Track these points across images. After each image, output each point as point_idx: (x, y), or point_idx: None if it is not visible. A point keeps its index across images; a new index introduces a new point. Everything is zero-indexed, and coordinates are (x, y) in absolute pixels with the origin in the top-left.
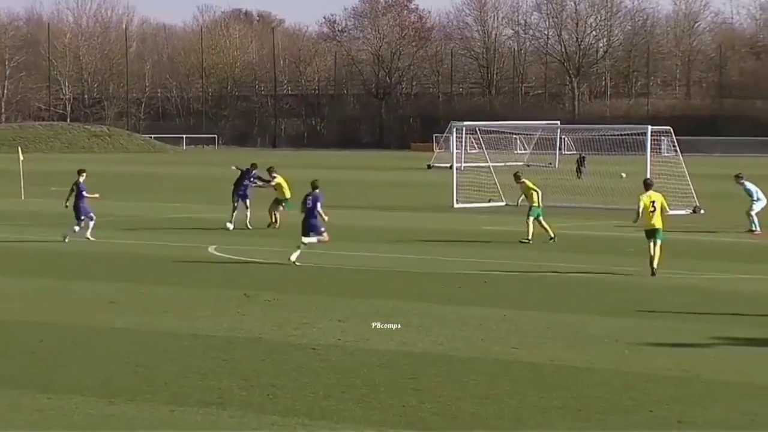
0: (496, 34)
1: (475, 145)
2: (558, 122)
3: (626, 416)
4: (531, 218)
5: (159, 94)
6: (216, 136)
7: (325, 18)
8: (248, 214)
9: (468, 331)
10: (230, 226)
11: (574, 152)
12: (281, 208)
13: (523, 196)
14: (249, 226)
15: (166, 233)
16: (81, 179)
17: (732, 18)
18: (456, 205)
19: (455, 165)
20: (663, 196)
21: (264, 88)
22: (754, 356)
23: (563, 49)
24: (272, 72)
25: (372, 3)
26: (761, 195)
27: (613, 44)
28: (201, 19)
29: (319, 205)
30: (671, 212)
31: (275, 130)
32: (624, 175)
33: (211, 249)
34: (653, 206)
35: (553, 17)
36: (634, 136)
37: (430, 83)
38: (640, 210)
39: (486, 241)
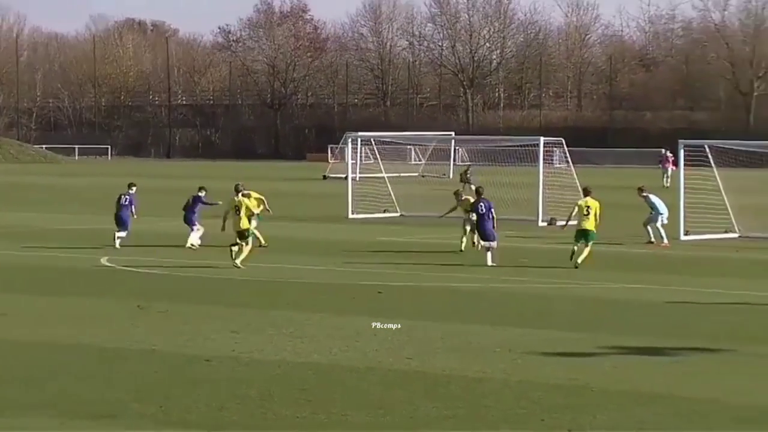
0: (390, 45)
1: (370, 156)
2: (452, 133)
3: (517, 425)
4: (468, 228)
5: (51, 104)
6: (109, 146)
7: (219, 28)
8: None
9: (362, 342)
10: (197, 243)
11: (469, 163)
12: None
13: (462, 210)
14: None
15: (58, 244)
16: (132, 191)
17: (622, 31)
18: (351, 216)
19: (350, 175)
20: (599, 203)
21: (158, 98)
22: (643, 365)
23: (457, 61)
24: (166, 82)
25: (267, 14)
26: (664, 208)
27: (506, 56)
28: (94, 29)
29: (492, 210)
30: (562, 222)
31: (170, 141)
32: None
33: (104, 260)
34: (587, 210)
35: (447, 29)
36: (526, 147)
37: (326, 94)
38: (574, 213)
39: (381, 251)
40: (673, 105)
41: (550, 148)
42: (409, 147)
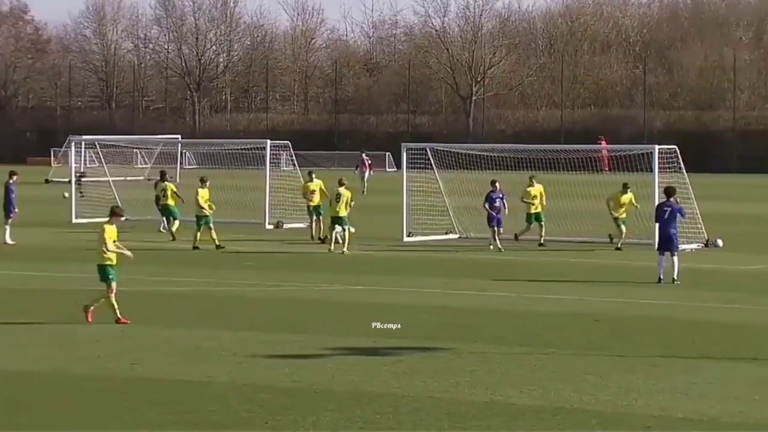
0: (115, 48)
1: (95, 159)
2: (179, 136)
3: (242, 428)
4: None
5: None
6: None
7: None
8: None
9: (85, 348)
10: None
11: (196, 166)
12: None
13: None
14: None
15: None
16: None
17: (347, 35)
18: (75, 220)
19: (74, 179)
20: (351, 193)
21: None
22: (365, 365)
23: (184, 64)
24: None
25: None
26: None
27: (233, 59)
28: None
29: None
30: (289, 226)
31: None
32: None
33: None
34: (338, 198)
35: (173, 31)
36: (253, 150)
37: (48, 96)
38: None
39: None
40: (397, 109)
41: (277, 151)
42: (135, 150)
